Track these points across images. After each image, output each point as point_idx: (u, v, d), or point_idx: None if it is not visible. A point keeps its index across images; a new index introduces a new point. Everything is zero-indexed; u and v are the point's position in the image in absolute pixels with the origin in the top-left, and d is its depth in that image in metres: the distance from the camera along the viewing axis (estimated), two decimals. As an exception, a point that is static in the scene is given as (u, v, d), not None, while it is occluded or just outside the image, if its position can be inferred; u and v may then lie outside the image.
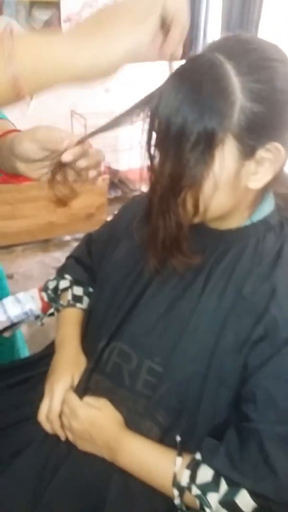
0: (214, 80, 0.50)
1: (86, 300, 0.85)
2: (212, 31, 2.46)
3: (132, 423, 0.66)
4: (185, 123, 0.50)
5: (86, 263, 0.88)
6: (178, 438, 0.62)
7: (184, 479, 0.59)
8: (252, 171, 0.55)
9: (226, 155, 0.52)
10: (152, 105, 0.54)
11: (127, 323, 0.69)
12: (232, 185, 0.55)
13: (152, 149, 0.55)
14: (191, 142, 0.50)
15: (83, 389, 0.70)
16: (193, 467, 0.59)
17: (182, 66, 0.53)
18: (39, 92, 0.48)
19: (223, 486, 0.57)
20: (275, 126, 0.53)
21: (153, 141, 0.55)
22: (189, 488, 0.58)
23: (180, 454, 0.61)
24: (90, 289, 0.87)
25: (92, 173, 0.63)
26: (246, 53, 0.51)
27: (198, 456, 0.60)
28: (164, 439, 0.64)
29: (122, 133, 2.85)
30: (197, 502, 0.58)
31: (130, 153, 2.92)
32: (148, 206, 0.59)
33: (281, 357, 0.56)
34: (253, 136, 0.52)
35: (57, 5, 2.26)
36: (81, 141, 0.60)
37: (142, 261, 0.71)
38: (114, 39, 0.46)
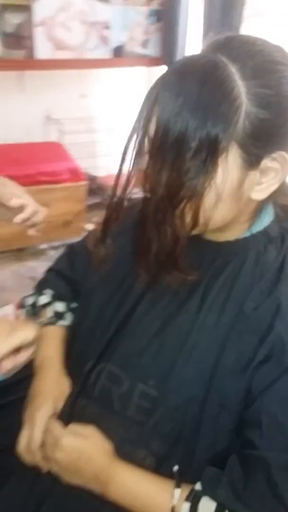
0: (218, 83, 0.45)
1: (69, 316, 0.79)
2: (194, 28, 2.44)
3: (124, 453, 0.60)
4: (186, 129, 0.45)
5: (69, 276, 0.82)
6: (176, 468, 0.56)
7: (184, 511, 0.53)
8: (256, 181, 0.51)
9: (230, 164, 0.48)
10: (146, 108, 0.49)
11: (116, 342, 0.63)
12: (234, 196, 0.51)
13: (145, 156, 0.50)
14: (192, 150, 0.46)
15: (67, 416, 0.64)
16: (194, 499, 0.54)
17: (181, 66, 0.48)
18: None
19: None
20: (281, 134, 0.49)
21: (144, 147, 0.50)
22: None
23: (178, 486, 0.55)
24: (74, 304, 0.80)
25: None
26: (251, 56, 0.47)
27: (198, 486, 0.55)
28: (159, 468, 0.58)
29: (100, 138, 2.80)
30: None
31: (109, 158, 2.87)
32: (140, 217, 0.54)
33: (286, 379, 0.51)
34: (258, 144, 0.48)
35: (30, 9, 2.20)
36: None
37: (132, 275, 0.66)
38: None
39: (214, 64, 0.46)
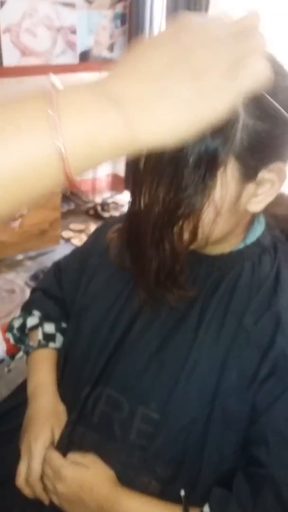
0: None
1: (59, 338, 0.76)
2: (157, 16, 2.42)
3: (127, 479, 0.58)
4: (185, 145, 0.43)
5: (56, 295, 0.79)
6: (183, 493, 0.55)
7: None
8: (252, 193, 0.50)
9: (228, 178, 0.47)
10: None
11: (114, 364, 0.61)
12: (232, 210, 0.50)
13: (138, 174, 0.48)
14: (191, 166, 0.44)
15: (66, 445, 0.62)
16: None
17: None
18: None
19: None
20: (278, 145, 0.48)
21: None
22: None
23: (186, 510, 0.54)
24: (63, 325, 0.78)
25: None
26: None
27: (206, 509, 0.53)
28: (164, 493, 0.57)
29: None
30: None
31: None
32: (133, 236, 0.53)
33: None
34: (256, 157, 0.47)
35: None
36: None
37: (125, 292, 0.64)
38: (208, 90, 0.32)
39: None
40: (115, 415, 0.59)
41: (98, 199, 2.89)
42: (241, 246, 0.58)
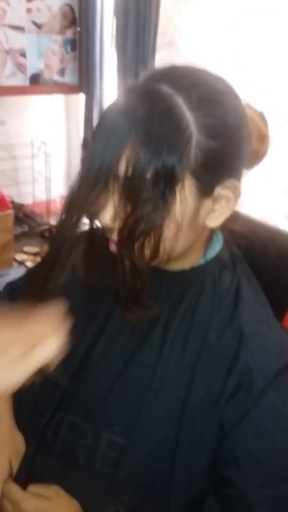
0: (166, 113, 0.44)
1: None
2: (109, 57, 2.48)
3: (93, 510, 0.55)
4: (139, 162, 0.44)
5: None
6: None
7: None
8: (209, 209, 0.51)
9: (186, 194, 0.47)
10: (92, 141, 0.47)
11: (75, 388, 0.58)
12: (191, 225, 0.50)
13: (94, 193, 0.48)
14: (149, 182, 0.44)
15: (26, 476, 0.58)
16: None
17: (125, 97, 0.47)
18: None
19: None
20: (231, 163, 0.49)
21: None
22: None
23: None
24: None
25: None
26: (195, 86, 0.47)
27: None
28: None
29: (23, 165, 2.73)
30: None
31: (33, 186, 2.80)
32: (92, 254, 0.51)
33: (259, 410, 0.50)
34: (210, 174, 0.48)
35: None
36: None
37: (84, 315, 0.62)
38: None
39: (159, 94, 0.45)
40: (78, 442, 0.56)
41: (53, 221, 2.84)
42: (201, 262, 0.58)
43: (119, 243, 0.48)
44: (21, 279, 0.79)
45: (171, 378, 0.54)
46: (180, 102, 0.45)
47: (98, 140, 0.47)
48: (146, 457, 0.53)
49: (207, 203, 0.50)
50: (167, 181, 0.45)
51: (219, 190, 0.49)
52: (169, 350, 0.55)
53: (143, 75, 0.50)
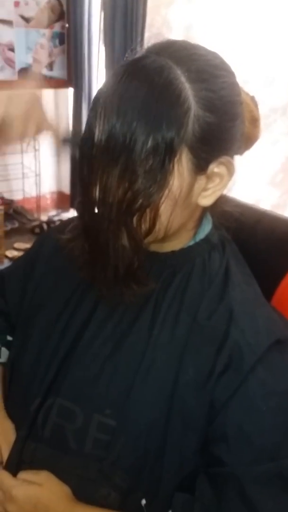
0: (165, 85, 0.44)
1: (5, 352, 0.72)
2: (98, 50, 2.47)
3: (84, 494, 0.55)
4: (138, 134, 0.43)
5: (0, 308, 0.75)
6: (144, 502, 0.52)
7: None
8: (203, 187, 0.51)
9: (183, 168, 0.47)
10: (90, 115, 0.47)
11: (64, 373, 0.58)
12: (185, 201, 0.50)
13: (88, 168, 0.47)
14: (148, 156, 0.44)
15: (16, 463, 0.58)
16: None
17: (125, 69, 0.46)
18: None
19: None
20: (227, 139, 0.49)
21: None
22: None
23: None
24: (9, 338, 0.73)
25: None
26: (193, 59, 0.47)
27: None
28: (125, 503, 0.54)
29: (12, 161, 2.70)
30: None
31: (23, 181, 2.78)
32: (91, 231, 0.51)
33: (249, 387, 0.50)
34: (206, 148, 0.47)
35: None
36: None
37: (74, 298, 0.61)
38: None
39: (160, 66, 0.45)
40: (69, 426, 0.56)
41: (43, 217, 2.83)
42: (191, 243, 0.58)
43: (116, 218, 0.48)
44: (8, 268, 0.79)
45: (161, 359, 0.54)
46: (179, 74, 0.45)
47: (97, 113, 0.46)
48: (137, 438, 0.53)
49: (201, 180, 0.50)
50: (166, 154, 0.45)
51: (214, 167, 0.49)
52: (159, 331, 0.55)
53: (139, 50, 0.49)
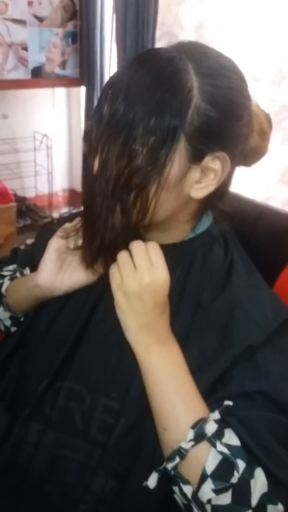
0: (174, 72, 0.47)
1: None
2: (110, 49, 2.49)
3: (83, 482, 0.55)
4: (140, 115, 0.46)
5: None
6: (152, 481, 0.51)
7: (209, 430, 0.48)
8: (196, 178, 0.52)
9: (179, 154, 0.49)
10: (100, 98, 0.50)
11: (73, 357, 0.60)
12: (176, 187, 0.52)
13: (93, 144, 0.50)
14: (147, 135, 0.47)
15: (18, 442, 0.59)
16: (221, 426, 0.49)
17: (134, 57, 0.50)
18: None
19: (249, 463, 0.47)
20: (225, 136, 0.51)
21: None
22: (212, 442, 0.47)
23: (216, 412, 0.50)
24: (22, 319, 0.75)
25: None
26: (206, 58, 0.49)
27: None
28: (123, 491, 0.54)
29: (25, 159, 2.74)
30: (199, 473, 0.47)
31: (36, 179, 2.82)
32: (88, 200, 0.53)
33: (256, 361, 0.52)
34: (203, 140, 0.49)
35: None
36: None
37: (83, 287, 0.64)
38: None
39: (171, 57, 0.48)
40: (76, 407, 0.58)
41: (55, 214, 2.87)
42: (191, 236, 0.60)
43: (112, 192, 0.50)
44: (25, 249, 0.81)
45: None
46: (189, 67, 0.48)
47: (107, 94, 0.49)
48: (135, 419, 0.54)
49: (195, 171, 0.52)
50: (167, 136, 0.47)
51: (209, 161, 0.51)
52: None
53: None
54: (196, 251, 0.60)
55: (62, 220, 0.74)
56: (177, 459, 0.48)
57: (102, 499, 0.54)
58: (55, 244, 0.63)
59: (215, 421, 0.49)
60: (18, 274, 0.74)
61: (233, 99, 0.50)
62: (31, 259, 0.74)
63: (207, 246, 0.60)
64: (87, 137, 0.51)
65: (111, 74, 0.51)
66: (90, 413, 0.57)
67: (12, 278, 0.74)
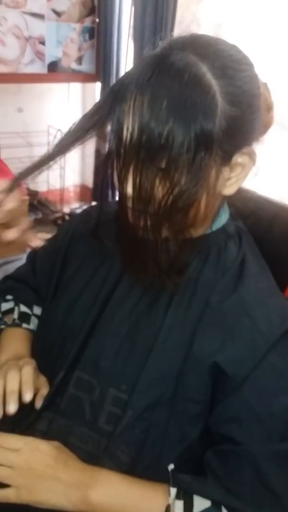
0: (197, 80, 0.45)
1: (34, 320, 0.76)
2: (127, 46, 2.50)
3: None
4: (176, 130, 0.44)
5: (30, 281, 0.79)
6: (172, 466, 0.54)
7: (179, 509, 0.51)
8: (227, 177, 0.52)
9: (213, 160, 0.48)
10: (115, 113, 0.47)
11: (85, 348, 0.61)
12: (212, 192, 0.52)
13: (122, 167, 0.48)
14: (187, 150, 0.45)
15: (26, 429, 0.60)
16: (186, 497, 0.52)
17: (150, 65, 0.46)
18: None
19: None
20: (249, 130, 0.51)
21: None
22: None
23: (173, 484, 0.53)
24: (37, 310, 0.77)
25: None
26: (217, 56, 0.48)
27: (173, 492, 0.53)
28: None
29: (38, 153, 2.75)
30: None
31: (48, 173, 2.83)
32: (123, 230, 0.54)
33: (260, 371, 0.52)
34: (230, 141, 0.49)
35: None
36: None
37: (97, 276, 0.65)
38: None
39: (186, 63, 0.46)
40: (86, 397, 0.59)
41: (66, 209, 2.88)
42: (208, 231, 0.60)
43: (156, 215, 0.49)
44: (42, 246, 0.81)
45: (174, 339, 0.57)
46: (205, 71, 0.46)
47: (125, 109, 0.46)
48: (143, 411, 0.55)
49: (225, 171, 0.51)
50: (206, 146, 0.46)
51: (237, 158, 0.51)
52: (174, 312, 0.58)
53: (162, 44, 0.50)
54: (211, 247, 0.60)
55: (82, 215, 0.75)
56: None
57: None
58: None
59: (177, 498, 0.51)
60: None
61: (252, 93, 0.50)
62: (50, 260, 0.75)
63: (222, 242, 0.60)
64: (109, 158, 0.49)
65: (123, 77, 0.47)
66: (99, 404, 0.58)
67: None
